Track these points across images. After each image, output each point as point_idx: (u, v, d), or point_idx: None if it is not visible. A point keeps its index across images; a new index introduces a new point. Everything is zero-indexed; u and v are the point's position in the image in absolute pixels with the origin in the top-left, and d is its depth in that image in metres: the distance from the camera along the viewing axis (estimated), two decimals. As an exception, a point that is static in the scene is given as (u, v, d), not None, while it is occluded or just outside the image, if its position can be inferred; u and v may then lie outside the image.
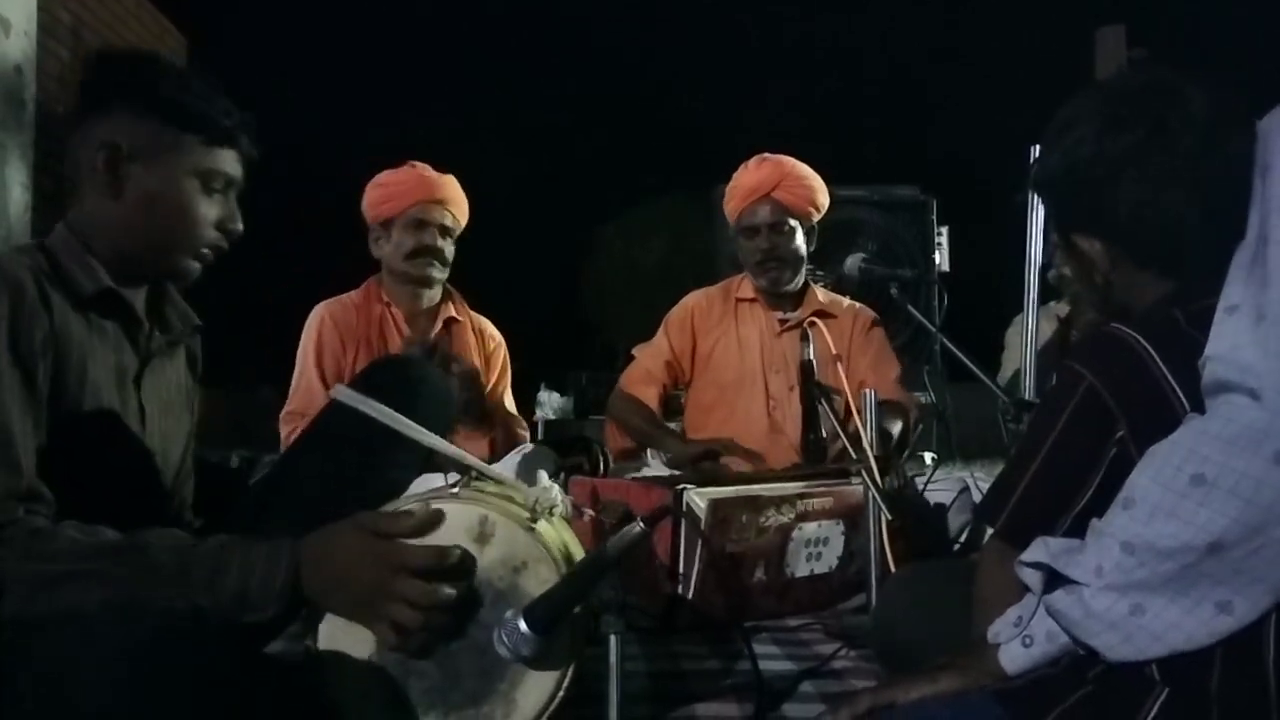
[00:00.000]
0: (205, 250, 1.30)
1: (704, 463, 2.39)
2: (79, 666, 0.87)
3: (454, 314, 2.62)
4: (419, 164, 2.57)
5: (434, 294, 2.60)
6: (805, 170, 2.62)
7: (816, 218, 2.67)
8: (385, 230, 2.54)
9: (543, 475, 1.26)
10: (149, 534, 1.04)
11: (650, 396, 2.72)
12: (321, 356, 2.44)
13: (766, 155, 2.64)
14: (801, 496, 1.96)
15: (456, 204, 2.56)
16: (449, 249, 2.55)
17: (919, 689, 0.97)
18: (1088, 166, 1.04)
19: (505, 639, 1.04)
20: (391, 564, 1.05)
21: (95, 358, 1.19)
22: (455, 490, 1.19)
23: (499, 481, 1.25)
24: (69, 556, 0.98)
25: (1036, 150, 1.71)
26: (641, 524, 1.07)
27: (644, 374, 2.74)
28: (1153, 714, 0.85)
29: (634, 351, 2.84)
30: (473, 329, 2.66)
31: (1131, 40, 1.99)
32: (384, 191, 2.52)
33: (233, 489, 1.67)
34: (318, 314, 2.51)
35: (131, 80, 1.24)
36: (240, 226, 1.32)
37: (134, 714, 0.85)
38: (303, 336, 2.49)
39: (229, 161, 1.28)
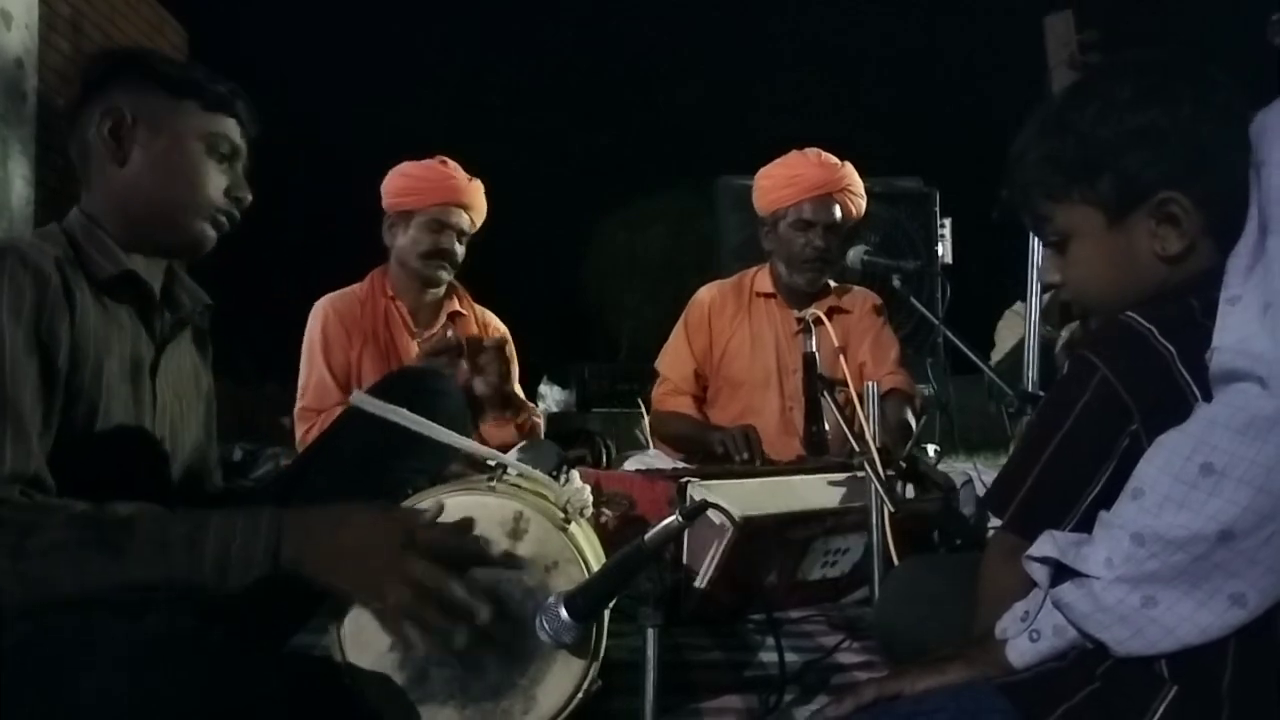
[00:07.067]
0: (217, 216, 1.29)
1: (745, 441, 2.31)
2: (80, 667, 0.86)
3: (458, 308, 2.61)
4: (450, 161, 2.51)
5: (439, 290, 2.59)
6: (858, 179, 2.60)
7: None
8: (403, 221, 2.49)
9: (575, 476, 1.26)
10: (130, 506, 1.03)
11: (684, 406, 2.68)
12: (328, 351, 2.42)
13: (820, 151, 2.58)
14: (833, 514, 1.92)
15: (479, 210, 2.53)
16: (461, 251, 2.53)
17: (926, 680, 0.96)
18: (1191, 122, 0.99)
19: (546, 625, 1.05)
20: (396, 537, 1.02)
21: (111, 350, 1.19)
22: (491, 484, 1.18)
23: (532, 479, 1.25)
24: (49, 530, 0.97)
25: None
26: (680, 518, 1.07)
27: (673, 389, 2.71)
28: (1160, 712, 0.84)
29: (657, 366, 2.79)
30: (477, 323, 2.65)
31: (1080, 23, 1.96)
32: (409, 183, 2.47)
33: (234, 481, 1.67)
34: (321, 308, 2.48)
35: (127, 61, 1.27)
36: (249, 195, 1.32)
37: (136, 715, 0.85)
38: (307, 331, 2.47)
39: (231, 128, 1.29)
